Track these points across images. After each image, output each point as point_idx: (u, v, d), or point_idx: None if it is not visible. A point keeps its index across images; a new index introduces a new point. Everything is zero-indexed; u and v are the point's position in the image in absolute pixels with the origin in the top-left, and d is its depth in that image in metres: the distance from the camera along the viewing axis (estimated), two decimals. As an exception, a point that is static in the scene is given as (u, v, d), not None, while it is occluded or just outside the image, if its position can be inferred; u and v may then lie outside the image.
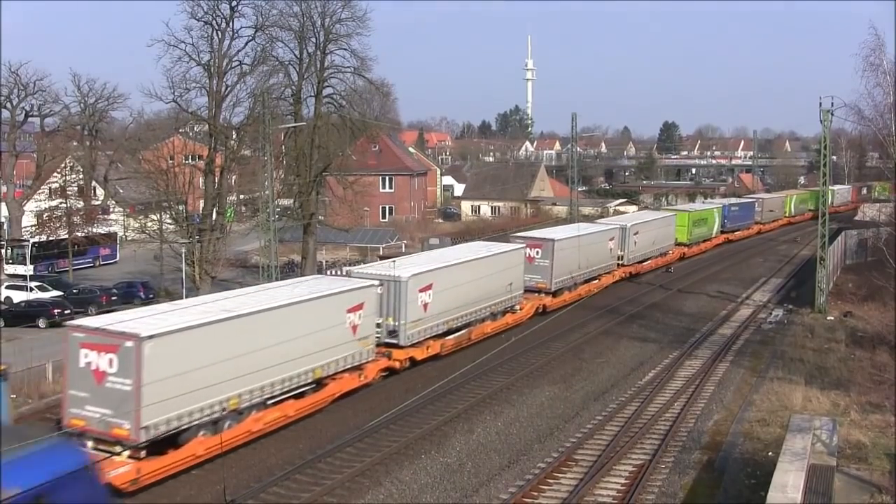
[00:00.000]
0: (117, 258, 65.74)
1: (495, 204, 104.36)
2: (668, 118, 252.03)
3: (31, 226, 62.70)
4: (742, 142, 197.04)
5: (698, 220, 64.11)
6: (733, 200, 79.49)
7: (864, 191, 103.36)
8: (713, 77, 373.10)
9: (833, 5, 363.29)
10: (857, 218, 71.96)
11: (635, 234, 51.96)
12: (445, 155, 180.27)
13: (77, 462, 14.64)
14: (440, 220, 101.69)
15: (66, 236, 58.86)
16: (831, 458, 19.96)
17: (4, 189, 65.94)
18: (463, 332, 34.40)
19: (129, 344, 20.16)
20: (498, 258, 37.69)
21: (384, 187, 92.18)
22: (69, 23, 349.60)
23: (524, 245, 41.21)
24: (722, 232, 69.94)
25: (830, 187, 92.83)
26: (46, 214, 62.34)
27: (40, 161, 67.30)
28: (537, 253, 41.50)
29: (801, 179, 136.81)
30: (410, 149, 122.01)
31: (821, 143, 44.65)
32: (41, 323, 41.61)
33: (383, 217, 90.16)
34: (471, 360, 30.43)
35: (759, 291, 50.13)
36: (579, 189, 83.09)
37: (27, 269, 53.51)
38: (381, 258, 48.32)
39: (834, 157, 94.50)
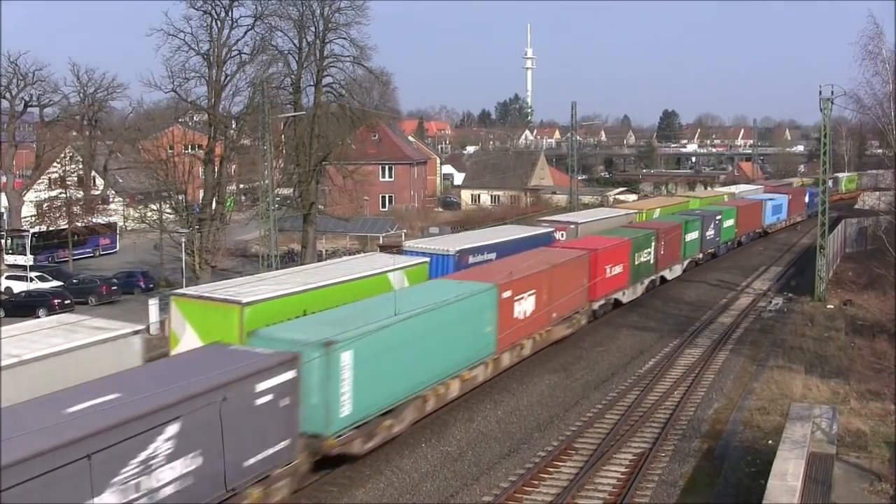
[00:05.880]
0: (117, 248, 65.81)
1: (495, 193, 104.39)
2: (667, 107, 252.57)
3: (31, 216, 62.73)
4: (742, 130, 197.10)
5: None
6: (506, 235, 39.20)
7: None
8: (713, 65, 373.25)
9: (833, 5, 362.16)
10: (856, 206, 71.70)
11: None
12: (445, 144, 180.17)
13: None
14: (440, 209, 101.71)
15: (66, 226, 58.91)
16: (831, 446, 20.01)
17: (4, 179, 65.93)
18: None
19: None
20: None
21: (384, 176, 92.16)
22: (68, 12, 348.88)
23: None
24: None
25: (732, 189, 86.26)
26: (46, 204, 62.45)
27: (40, 151, 67.28)
28: None
29: (801, 168, 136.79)
30: (410, 138, 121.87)
31: (821, 131, 44.50)
32: (41, 313, 41.40)
33: (383, 206, 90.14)
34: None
35: (759, 280, 50.10)
36: (579, 178, 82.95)
37: (27, 260, 53.57)
38: (381, 248, 48.18)
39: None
